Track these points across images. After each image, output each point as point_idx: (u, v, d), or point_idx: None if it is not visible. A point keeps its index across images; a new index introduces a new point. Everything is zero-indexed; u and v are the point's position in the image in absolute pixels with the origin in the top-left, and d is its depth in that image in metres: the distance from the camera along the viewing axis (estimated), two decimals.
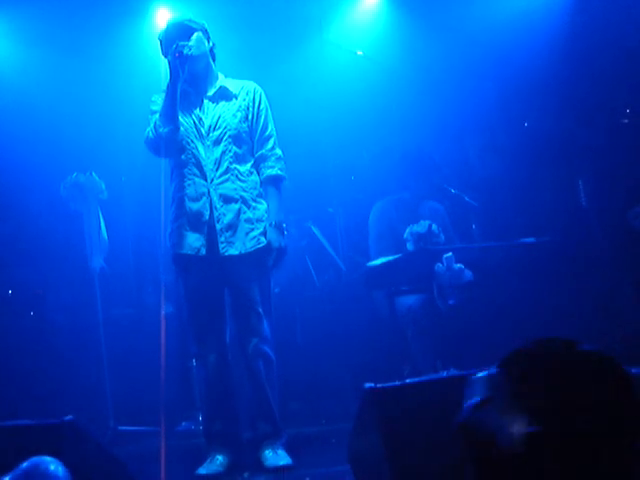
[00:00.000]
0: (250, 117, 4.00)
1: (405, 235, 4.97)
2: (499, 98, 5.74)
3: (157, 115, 3.93)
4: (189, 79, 3.92)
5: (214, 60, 4.14)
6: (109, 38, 5.76)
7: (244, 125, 3.99)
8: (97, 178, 5.22)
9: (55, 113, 5.61)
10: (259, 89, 4.11)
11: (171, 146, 3.89)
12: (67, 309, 5.44)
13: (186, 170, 3.93)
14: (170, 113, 3.83)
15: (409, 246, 4.96)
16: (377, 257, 5.02)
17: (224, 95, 4.05)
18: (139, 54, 5.55)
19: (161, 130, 3.83)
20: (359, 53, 5.67)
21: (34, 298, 5.40)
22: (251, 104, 4.02)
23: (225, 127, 3.95)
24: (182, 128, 3.91)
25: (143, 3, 5.82)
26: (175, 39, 3.87)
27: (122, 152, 5.49)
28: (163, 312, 4.40)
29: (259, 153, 4.02)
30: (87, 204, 5.16)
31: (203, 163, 3.90)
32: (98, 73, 5.72)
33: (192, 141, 3.93)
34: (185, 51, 3.77)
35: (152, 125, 3.90)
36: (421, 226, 4.95)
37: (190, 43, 3.85)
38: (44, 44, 5.68)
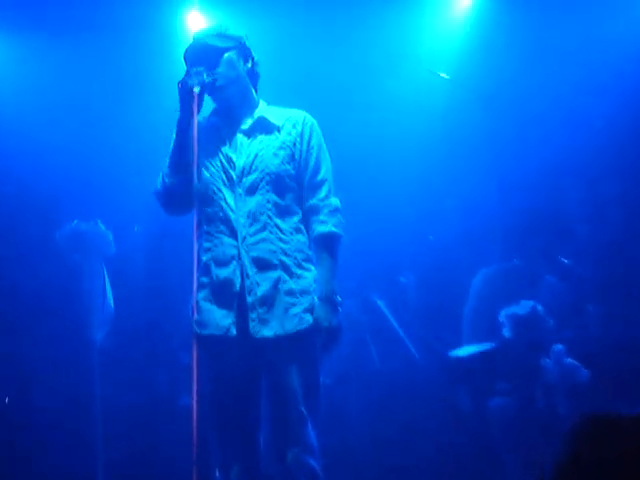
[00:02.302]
0: (297, 156, 3.49)
1: (501, 318, 4.50)
2: (613, 140, 5.03)
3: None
4: (218, 109, 3.51)
5: (256, 82, 3.59)
6: (131, 62, 5.10)
7: (288, 167, 3.46)
8: (103, 227, 4.81)
9: (58, 143, 4.98)
10: (310, 119, 3.56)
11: (182, 202, 3.47)
12: (57, 393, 4.66)
13: (212, 227, 3.44)
14: (177, 160, 3.42)
15: (505, 332, 4.48)
16: (468, 342, 4.70)
17: (263, 128, 3.52)
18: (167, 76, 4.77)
19: (168, 181, 3.44)
20: (443, 76, 5.05)
21: (16, 376, 4.69)
22: (298, 139, 3.50)
23: (263, 169, 3.43)
24: (207, 173, 3.44)
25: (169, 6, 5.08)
26: (199, 62, 3.43)
27: (136, 195, 4.73)
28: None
29: (308, 204, 3.48)
30: (89, 259, 4.75)
31: (233, 217, 3.39)
32: (114, 95, 5.11)
33: (219, 190, 3.44)
34: (193, 86, 3.30)
35: (160, 174, 3.52)
36: (522, 307, 4.46)
37: (219, 69, 3.39)
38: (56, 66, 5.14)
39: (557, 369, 4.25)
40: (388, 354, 5.02)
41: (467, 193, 4.67)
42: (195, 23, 4.93)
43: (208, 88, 3.35)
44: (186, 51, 3.47)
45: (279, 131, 3.51)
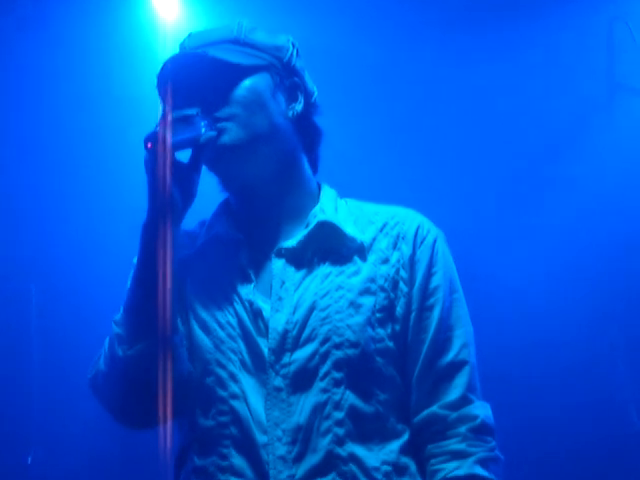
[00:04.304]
0: (401, 311, 1.68)
1: None
2: None
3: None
4: (229, 203, 1.80)
5: (315, 142, 1.78)
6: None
7: (382, 333, 1.67)
8: None
9: None
10: (429, 229, 1.76)
11: (149, 397, 1.62)
12: None
13: (213, 458, 1.64)
14: (142, 310, 1.64)
15: None
16: None
17: (329, 247, 1.73)
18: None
19: (123, 353, 1.64)
20: None
21: None
22: (405, 274, 1.70)
23: (328, 337, 1.65)
24: (206, 340, 1.68)
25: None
26: (191, 97, 1.69)
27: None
28: None
29: (426, 413, 1.66)
30: None
31: (260, 440, 1.62)
32: None
33: (232, 378, 1.66)
34: (177, 149, 1.63)
35: (107, 340, 1.72)
36: None
37: (232, 109, 1.65)
38: None
39: None
40: None
41: None
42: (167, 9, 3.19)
43: (209, 153, 1.65)
44: (163, 72, 1.73)
45: (364, 255, 1.72)
